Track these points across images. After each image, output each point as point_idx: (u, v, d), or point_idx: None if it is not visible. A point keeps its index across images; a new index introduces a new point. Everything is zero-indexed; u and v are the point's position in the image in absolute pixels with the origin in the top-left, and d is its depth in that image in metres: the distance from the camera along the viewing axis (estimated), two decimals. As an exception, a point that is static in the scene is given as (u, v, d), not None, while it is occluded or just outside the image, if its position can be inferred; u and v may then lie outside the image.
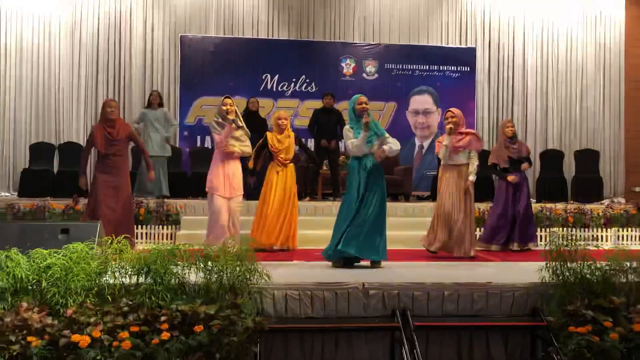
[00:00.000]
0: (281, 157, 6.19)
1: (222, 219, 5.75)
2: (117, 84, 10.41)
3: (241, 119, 5.96)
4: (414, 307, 4.09)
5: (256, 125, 8.30)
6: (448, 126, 5.96)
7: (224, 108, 5.76)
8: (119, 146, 5.75)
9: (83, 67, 10.31)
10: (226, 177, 5.80)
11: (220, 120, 5.79)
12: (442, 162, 6.07)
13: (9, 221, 6.46)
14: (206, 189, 5.86)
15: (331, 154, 8.39)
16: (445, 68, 10.85)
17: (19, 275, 3.50)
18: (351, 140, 5.03)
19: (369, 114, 5.08)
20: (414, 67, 10.81)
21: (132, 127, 6.01)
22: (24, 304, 3.39)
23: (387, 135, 5.11)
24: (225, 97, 5.87)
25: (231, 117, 5.76)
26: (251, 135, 7.75)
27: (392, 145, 5.02)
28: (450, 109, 6.14)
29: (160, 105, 8.48)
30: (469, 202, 5.88)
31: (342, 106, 10.26)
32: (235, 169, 5.86)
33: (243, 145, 5.89)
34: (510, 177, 6.56)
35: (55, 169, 9.19)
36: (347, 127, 5.15)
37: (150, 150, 8.22)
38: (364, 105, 5.05)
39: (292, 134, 6.34)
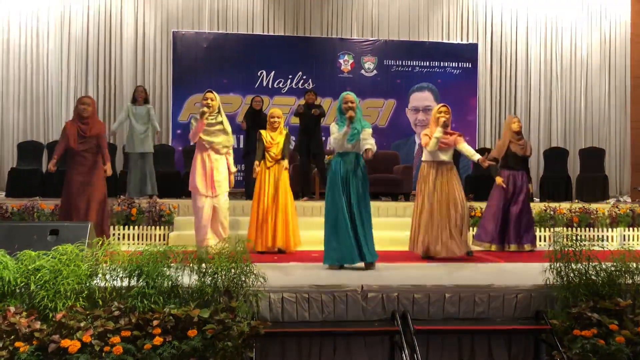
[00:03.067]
0: (272, 153, 6.23)
1: (204, 220, 5.73)
2: (107, 81, 10.41)
3: (223, 114, 5.89)
4: (414, 310, 4.09)
5: (260, 124, 8.28)
6: (442, 119, 5.90)
7: (203, 102, 5.75)
8: (91, 143, 5.72)
9: (72, 63, 10.30)
10: (207, 175, 5.75)
11: (197, 115, 5.76)
12: (425, 158, 6.00)
13: (-4, 222, 6.43)
14: (189, 188, 5.85)
15: (316, 154, 8.33)
16: (446, 64, 10.87)
17: (7, 278, 3.49)
18: (333, 135, 5.16)
19: (358, 109, 5.16)
20: (414, 63, 10.82)
21: (105, 128, 5.91)
22: (12, 308, 3.38)
23: (369, 131, 5.16)
24: (207, 92, 5.82)
25: (207, 111, 5.71)
26: (254, 134, 7.66)
27: (371, 145, 5.07)
28: (444, 104, 6.13)
29: (146, 101, 8.44)
30: (461, 198, 5.90)
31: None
32: (217, 165, 5.80)
33: (215, 140, 5.81)
34: (499, 180, 6.55)
35: (44, 169, 9.16)
36: (333, 122, 5.26)
37: (131, 147, 8.23)
38: (349, 104, 5.14)
39: (285, 132, 6.35)
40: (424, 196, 5.90)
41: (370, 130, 5.16)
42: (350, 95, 5.20)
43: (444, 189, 5.86)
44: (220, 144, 5.82)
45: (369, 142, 5.07)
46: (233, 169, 5.99)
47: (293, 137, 8.62)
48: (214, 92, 5.89)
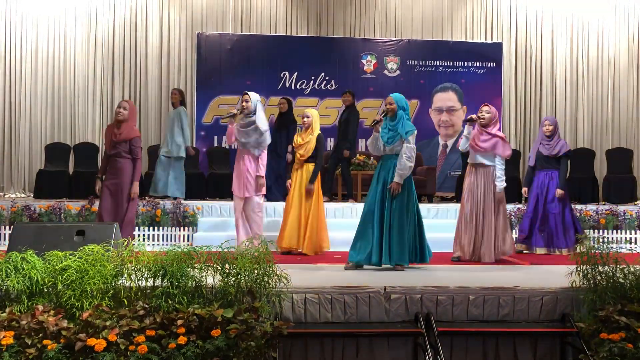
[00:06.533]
0: (299, 154, 6.21)
1: (235, 218, 5.97)
2: (132, 84, 10.52)
3: (259, 113, 5.90)
4: (437, 312, 4.07)
5: (288, 125, 8.31)
6: (478, 120, 5.78)
7: (241, 104, 5.88)
8: (120, 149, 5.65)
9: (99, 66, 10.44)
10: (239, 177, 5.90)
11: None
12: (468, 160, 5.93)
13: (25, 223, 6.56)
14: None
15: (343, 159, 8.35)
16: (470, 64, 10.78)
17: (35, 278, 3.56)
18: (369, 140, 5.18)
19: (399, 109, 5.08)
20: (438, 63, 10.75)
21: (138, 136, 5.75)
22: (40, 307, 3.44)
23: (410, 146, 5.04)
24: (244, 93, 5.92)
25: (237, 114, 5.83)
26: (283, 135, 7.75)
27: (401, 169, 4.99)
28: (488, 104, 5.90)
29: (182, 102, 8.49)
30: (497, 204, 5.74)
31: (363, 104, 10.29)
32: (250, 168, 5.85)
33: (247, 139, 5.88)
34: (523, 191, 6.68)
35: (71, 170, 9.32)
36: None
37: (165, 151, 8.29)
38: (387, 105, 5.15)
39: (317, 133, 6.20)
40: (464, 199, 5.85)
41: (411, 141, 5.03)
42: (390, 96, 5.14)
43: (481, 193, 5.74)
44: (250, 144, 5.87)
45: (398, 170, 4.97)
46: (261, 172, 5.91)
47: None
48: (249, 93, 5.94)
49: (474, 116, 5.81)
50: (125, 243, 3.82)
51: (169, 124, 8.39)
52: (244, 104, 5.87)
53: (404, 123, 5.06)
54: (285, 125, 8.33)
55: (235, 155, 6.10)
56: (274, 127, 8.31)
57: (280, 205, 7.23)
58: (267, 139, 5.98)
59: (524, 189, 6.69)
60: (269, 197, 7.93)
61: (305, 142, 6.17)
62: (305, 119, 6.21)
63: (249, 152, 5.89)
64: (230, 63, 10.45)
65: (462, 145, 5.84)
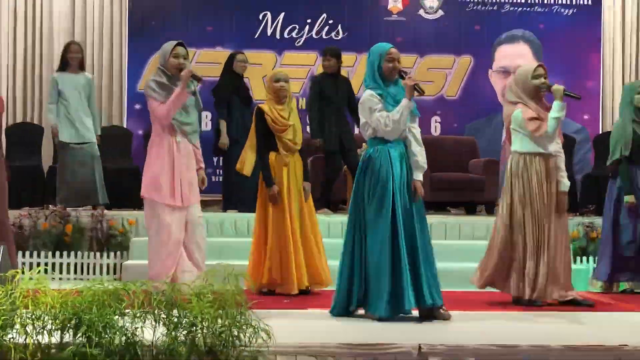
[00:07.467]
0: (288, 140, 6.12)
1: (172, 241, 5.56)
2: (33, 36, 10.40)
3: (194, 82, 5.77)
4: (500, 384, 4.12)
5: (244, 96, 8.37)
6: (560, 87, 5.69)
7: (175, 61, 5.59)
8: None
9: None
10: (176, 173, 5.61)
11: (163, 80, 5.61)
12: (520, 148, 5.82)
13: None
14: (142, 194, 5.69)
15: (349, 149, 8.35)
16: (553, 1, 10.81)
17: None
18: (382, 114, 4.95)
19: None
20: (502, 0, 10.79)
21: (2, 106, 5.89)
22: None
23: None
24: (177, 44, 5.64)
25: (185, 76, 5.61)
26: (236, 115, 7.72)
27: (424, 161, 5.15)
28: (541, 63, 6.01)
29: (82, 67, 8.34)
30: (563, 216, 5.88)
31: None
32: (189, 158, 5.71)
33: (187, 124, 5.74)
34: (630, 200, 6.46)
35: None
36: (369, 92, 5.08)
37: (68, 135, 8.07)
38: (396, 62, 5.06)
39: (294, 103, 6.29)
40: (515, 205, 5.85)
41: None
42: (395, 49, 5.10)
43: (550, 195, 5.84)
44: (191, 125, 5.73)
45: (422, 163, 5.10)
46: (202, 163, 5.92)
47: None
48: (185, 45, 5.74)
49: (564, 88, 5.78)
50: (18, 276, 3.84)
51: (80, 96, 8.19)
52: (183, 61, 5.62)
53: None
54: (250, 97, 8.38)
55: (152, 144, 5.74)
56: (240, 102, 8.24)
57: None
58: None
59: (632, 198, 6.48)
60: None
61: (290, 120, 6.12)
62: (284, 84, 6.11)
63: (185, 136, 5.70)
64: (180, 3, 10.48)
65: (553, 129, 5.69)
